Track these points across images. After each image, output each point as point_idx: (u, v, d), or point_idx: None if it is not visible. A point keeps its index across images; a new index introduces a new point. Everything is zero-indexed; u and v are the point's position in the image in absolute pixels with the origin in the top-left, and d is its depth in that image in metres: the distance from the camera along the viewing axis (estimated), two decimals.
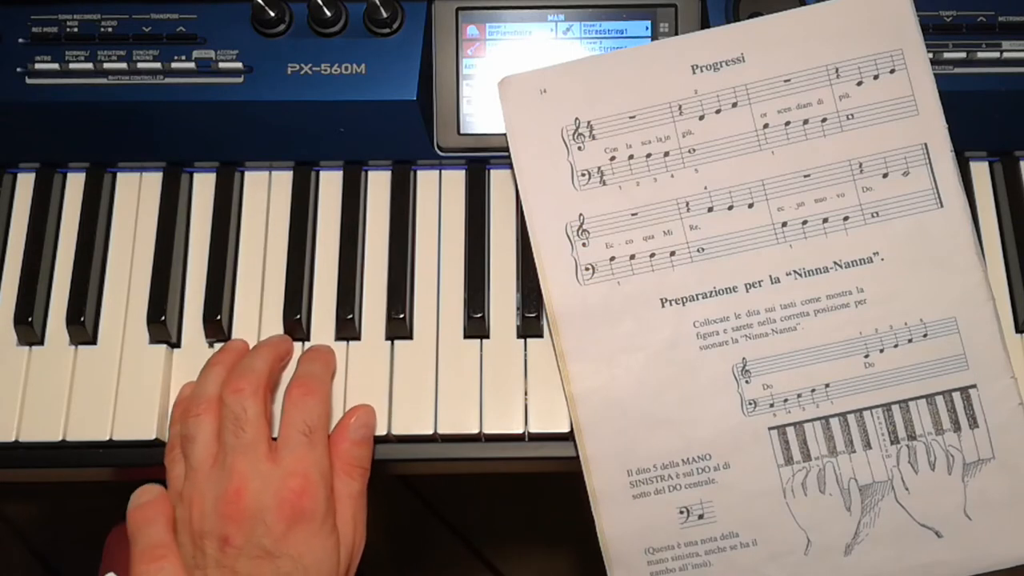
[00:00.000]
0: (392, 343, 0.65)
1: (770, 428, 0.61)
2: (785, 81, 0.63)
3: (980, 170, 0.68)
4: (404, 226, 0.67)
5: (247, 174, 0.69)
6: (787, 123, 0.62)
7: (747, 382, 0.61)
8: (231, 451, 0.57)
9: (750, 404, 0.61)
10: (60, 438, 0.63)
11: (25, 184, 0.69)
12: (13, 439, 0.63)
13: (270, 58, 0.66)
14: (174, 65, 0.66)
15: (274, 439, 0.59)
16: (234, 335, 0.65)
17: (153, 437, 0.63)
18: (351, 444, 0.60)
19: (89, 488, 0.66)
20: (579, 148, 0.63)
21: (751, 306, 0.62)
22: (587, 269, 0.62)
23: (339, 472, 0.60)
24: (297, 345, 0.65)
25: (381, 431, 0.63)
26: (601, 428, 0.61)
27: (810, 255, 0.62)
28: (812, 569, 0.61)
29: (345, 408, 0.63)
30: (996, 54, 0.65)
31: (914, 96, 0.62)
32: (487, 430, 0.63)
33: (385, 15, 0.65)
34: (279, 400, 0.62)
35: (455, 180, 0.68)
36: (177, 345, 0.66)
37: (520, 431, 0.63)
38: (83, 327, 0.65)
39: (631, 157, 0.63)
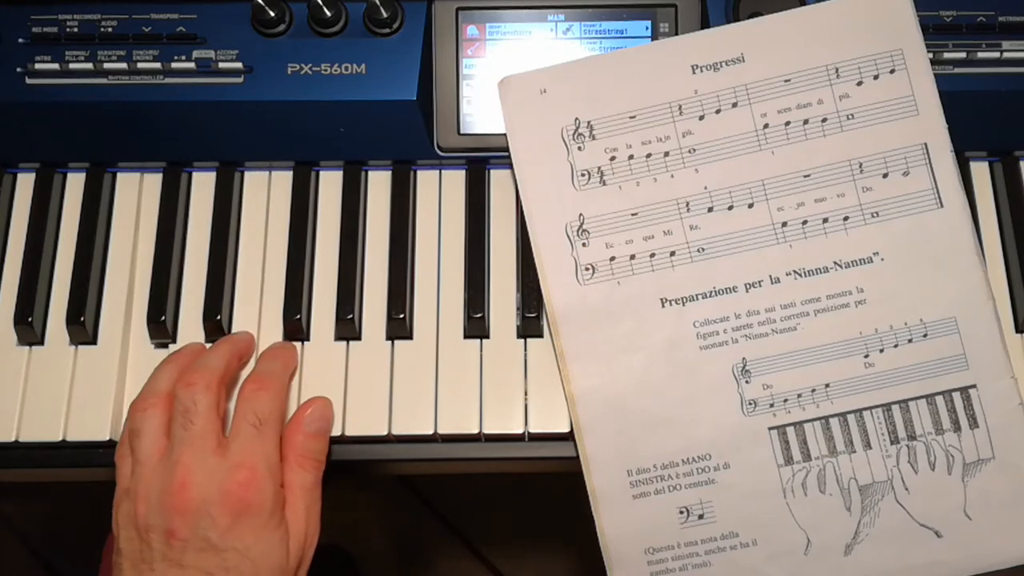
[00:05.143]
0: (392, 343, 0.65)
1: (770, 428, 0.61)
2: (785, 81, 0.63)
3: (980, 170, 0.68)
4: (404, 226, 0.67)
5: (247, 174, 0.69)
6: (787, 123, 0.62)
7: (747, 382, 0.61)
8: (179, 443, 0.56)
9: (750, 404, 0.61)
10: (60, 438, 0.63)
11: (25, 184, 0.69)
12: (13, 439, 0.63)
13: (270, 58, 0.66)
14: (174, 65, 0.66)
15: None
16: None
17: None
18: (305, 436, 0.60)
19: (89, 488, 0.66)
20: (579, 148, 0.63)
21: (751, 306, 0.62)
22: (587, 269, 0.62)
23: (292, 464, 0.59)
24: (297, 345, 0.65)
25: (381, 431, 0.63)
26: (601, 428, 0.61)
27: (810, 255, 0.62)
28: (812, 569, 0.61)
29: (344, 409, 0.63)
30: (996, 54, 0.65)
31: (914, 96, 0.62)
32: (487, 430, 0.63)
33: (385, 15, 0.65)
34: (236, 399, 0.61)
35: (455, 180, 0.68)
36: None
37: (520, 431, 0.63)
38: (83, 327, 0.65)
39: (631, 157, 0.63)
